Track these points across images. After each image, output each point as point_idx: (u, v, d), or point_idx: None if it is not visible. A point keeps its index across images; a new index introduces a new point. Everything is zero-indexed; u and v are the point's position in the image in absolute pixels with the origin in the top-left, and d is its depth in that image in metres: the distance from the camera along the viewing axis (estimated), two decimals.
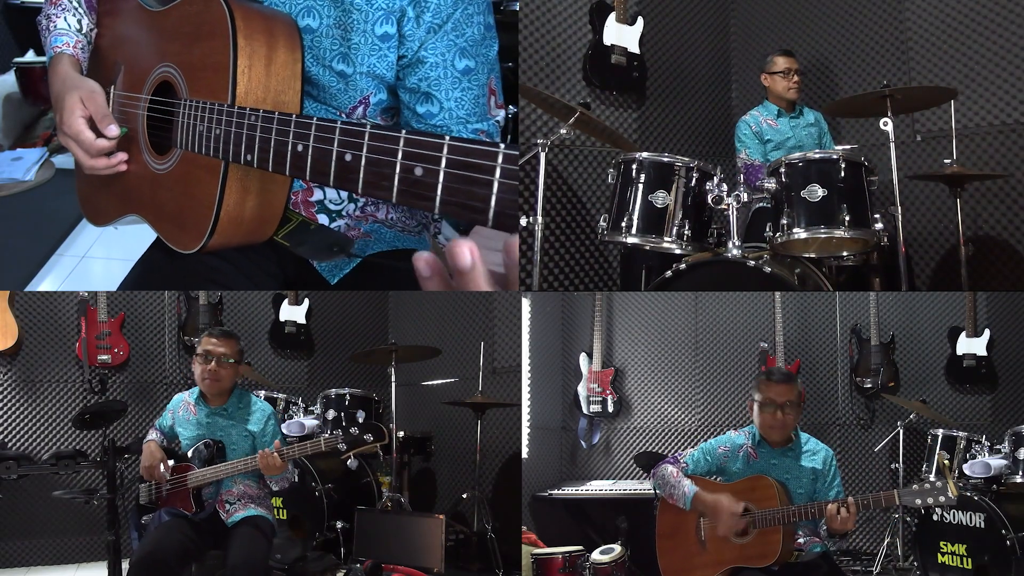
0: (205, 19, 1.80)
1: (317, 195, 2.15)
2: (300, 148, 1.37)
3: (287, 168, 1.42)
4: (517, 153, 1.03)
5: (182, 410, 2.64)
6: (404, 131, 1.15)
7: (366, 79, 1.95)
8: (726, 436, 2.48)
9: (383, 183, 1.16)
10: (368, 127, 1.22)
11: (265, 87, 1.76)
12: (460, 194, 1.07)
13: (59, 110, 1.93)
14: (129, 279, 2.14)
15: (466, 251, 0.94)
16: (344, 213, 2.18)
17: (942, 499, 2.11)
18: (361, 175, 1.21)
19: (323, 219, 2.14)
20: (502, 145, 1.04)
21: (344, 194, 2.17)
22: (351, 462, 3.60)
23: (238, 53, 1.70)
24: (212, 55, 1.76)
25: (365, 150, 1.20)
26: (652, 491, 2.50)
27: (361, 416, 3.81)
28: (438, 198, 1.09)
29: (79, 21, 2.10)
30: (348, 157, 1.23)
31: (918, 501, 2.14)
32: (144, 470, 2.55)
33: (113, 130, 1.90)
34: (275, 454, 2.40)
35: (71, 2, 2.11)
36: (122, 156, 1.96)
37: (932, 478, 3.34)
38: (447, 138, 1.09)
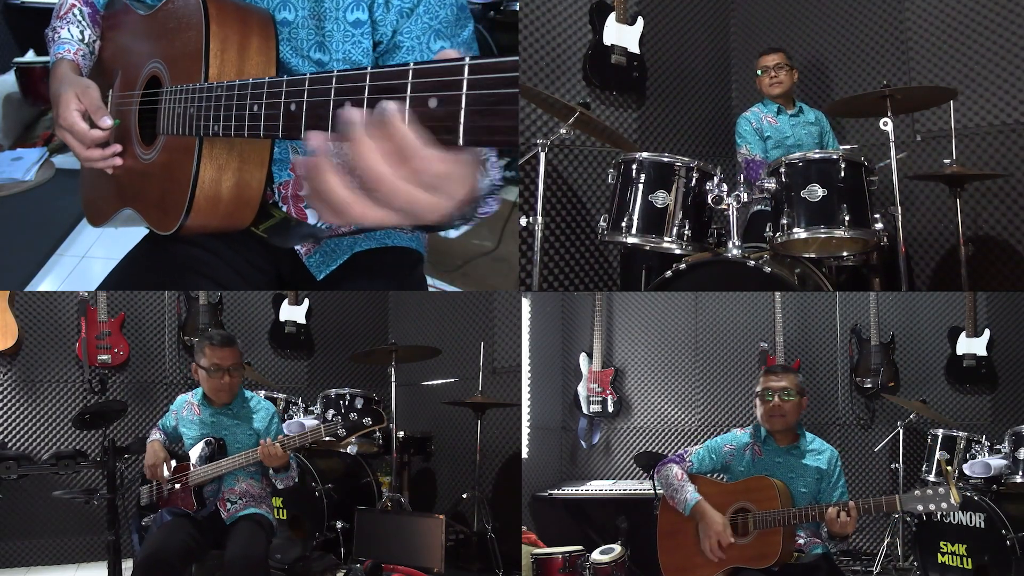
0: (184, 14, 1.89)
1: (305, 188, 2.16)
2: (255, 108, 1.45)
3: (245, 130, 1.50)
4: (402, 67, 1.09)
5: (186, 410, 2.66)
6: (336, 71, 1.25)
7: (342, 66, 1.98)
8: (731, 434, 2.49)
9: (320, 123, 1.27)
10: (308, 76, 1.31)
11: (239, 71, 1.82)
12: None
13: (55, 105, 2.02)
14: (113, 273, 2.17)
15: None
16: None
17: (944, 505, 2.06)
18: (303, 120, 1.30)
19: (311, 213, 2.15)
20: (411, 66, 1.10)
21: None
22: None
23: (210, 38, 1.79)
24: (189, 44, 1.85)
25: (306, 95, 1.30)
26: (652, 491, 2.50)
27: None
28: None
29: (82, 32, 2.19)
30: (292, 107, 1.33)
31: (920, 507, 2.09)
32: (148, 468, 2.57)
33: (106, 121, 1.97)
34: (276, 444, 2.44)
35: (76, 16, 2.20)
36: (116, 148, 2.03)
37: (932, 479, 3.34)
38: (368, 68, 1.17)
